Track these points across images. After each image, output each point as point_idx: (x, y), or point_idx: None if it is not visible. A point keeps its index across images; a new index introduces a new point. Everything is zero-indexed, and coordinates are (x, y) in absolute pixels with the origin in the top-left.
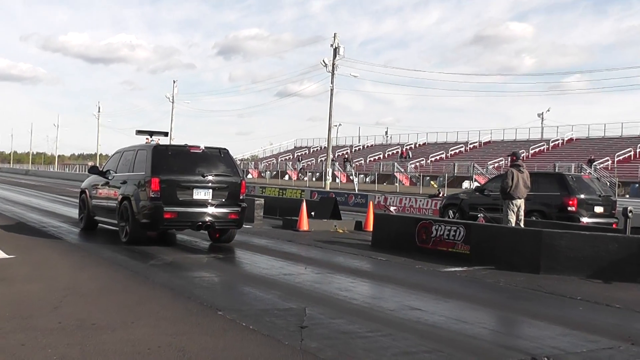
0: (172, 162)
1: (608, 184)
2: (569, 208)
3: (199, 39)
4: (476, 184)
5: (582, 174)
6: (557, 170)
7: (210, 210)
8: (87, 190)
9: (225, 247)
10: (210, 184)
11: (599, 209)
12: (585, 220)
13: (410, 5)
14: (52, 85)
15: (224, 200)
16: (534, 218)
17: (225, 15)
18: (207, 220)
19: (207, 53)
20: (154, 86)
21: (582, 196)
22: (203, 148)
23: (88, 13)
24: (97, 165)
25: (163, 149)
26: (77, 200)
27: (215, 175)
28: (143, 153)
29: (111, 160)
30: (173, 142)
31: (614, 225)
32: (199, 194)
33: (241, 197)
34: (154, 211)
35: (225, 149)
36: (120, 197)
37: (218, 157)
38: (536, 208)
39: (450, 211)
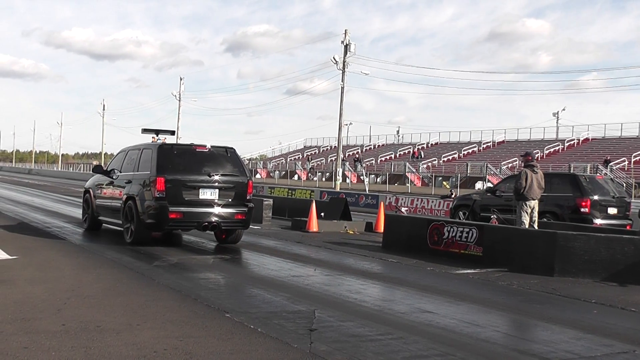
0: (177, 162)
1: (624, 185)
2: (582, 209)
3: (206, 35)
4: (489, 184)
5: (596, 174)
6: (572, 171)
7: (217, 210)
8: (91, 190)
9: (232, 248)
10: (216, 184)
11: (612, 211)
12: (598, 221)
13: (423, 1)
14: (55, 83)
15: (230, 200)
16: (545, 219)
17: (233, 11)
18: (213, 220)
19: (215, 49)
20: (161, 83)
21: (596, 197)
22: (209, 147)
23: (93, 8)
24: (102, 164)
25: (168, 148)
26: (81, 201)
27: (222, 175)
28: (148, 152)
29: (115, 160)
30: (180, 141)
31: (627, 227)
32: (205, 194)
33: (248, 197)
34: (159, 211)
35: (232, 148)
36: (124, 197)
37: (224, 156)
38: (548, 209)
39: (461, 212)
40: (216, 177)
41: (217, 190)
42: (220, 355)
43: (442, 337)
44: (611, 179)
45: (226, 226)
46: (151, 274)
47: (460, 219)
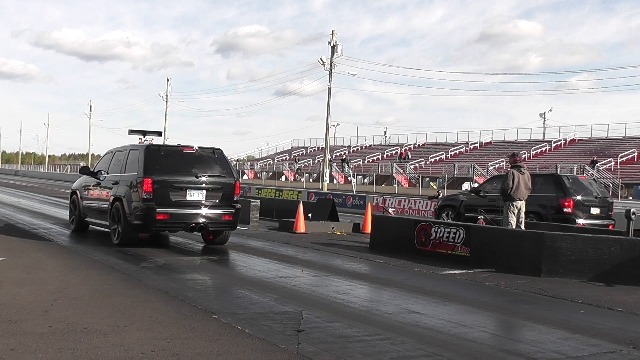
0: (164, 163)
1: (610, 185)
2: (565, 209)
3: (197, 36)
4: (476, 185)
5: (578, 175)
6: (559, 172)
7: (204, 211)
8: (77, 191)
9: (219, 249)
10: (203, 185)
11: (595, 211)
12: (581, 221)
13: (413, 3)
14: (45, 84)
15: (217, 201)
16: (528, 220)
17: (223, 12)
18: (200, 221)
19: (205, 50)
20: (150, 84)
21: (579, 197)
22: (196, 148)
23: (83, 9)
24: (89, 165)
25: (156, 149)
26: (68, 202)
27: (209, 176)
28: (135, 153)
29: (102, 161)
30: (167, 142)
31: (610, 227)
32: (192, 195)
33: (235, 198)
34: (146, 212)
35: (219, 149)
36: (111, 198)
37: (212, 157)
38: (532, 209)
39: (444, 214)
40: (203, 178)
41: (204, 191)
42: (207, 357)
43: (429, 337)
44: (594, 179)
45: (213, 227)
46: (138, 275)
47: (444, 219)
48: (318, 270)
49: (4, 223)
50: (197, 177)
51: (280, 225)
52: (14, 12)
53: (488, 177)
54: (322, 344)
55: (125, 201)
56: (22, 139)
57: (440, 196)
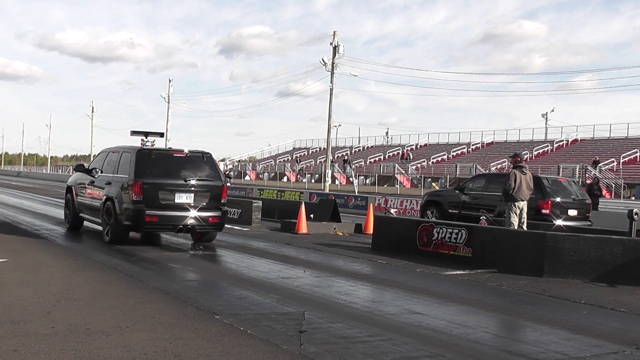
0: (155, 166)
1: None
2: (543, 210)
3: (200, 37)
4: None
5: (558, 177)
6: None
7: (192, 213)
8: (73, 188)
9: (221, 250)
10: (192, 188)
11: (572, 212)
12: (558, 222)
13: (416, 3)
14: (48, 85)
15: (205, 204)
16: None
17: (227, 13)
18: (188, 223)
19: (208, 52)
20: (153, 86)
21: (557, 199)
22: (187, 152)
23: (86, 10)
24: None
25: (147, 153)
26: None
27: (198, 179)
28: (127, 156)
29: (97, 160)
30: (169, 143)
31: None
32: (181, 198)
33: (222, 201)
34: (136, 214)
35: (208, 153)
36: (104, 197)
37: (201, 161)
38: None
39: (429, 212)
40: (192, 182)
41: (192, 194)
42: (209, 357)
43: (431, 338)
44: (574, 181)
45: (200, 229)
46: (140, 276)
47: (428, 217)
48: (320, 271)
49: (7, 224)
50: (186, 181)
51: (282, 226)
52: (17, 13)
53: None
54: (325, 344)
55: (116, 202)
56: (24, 140)
57: None
